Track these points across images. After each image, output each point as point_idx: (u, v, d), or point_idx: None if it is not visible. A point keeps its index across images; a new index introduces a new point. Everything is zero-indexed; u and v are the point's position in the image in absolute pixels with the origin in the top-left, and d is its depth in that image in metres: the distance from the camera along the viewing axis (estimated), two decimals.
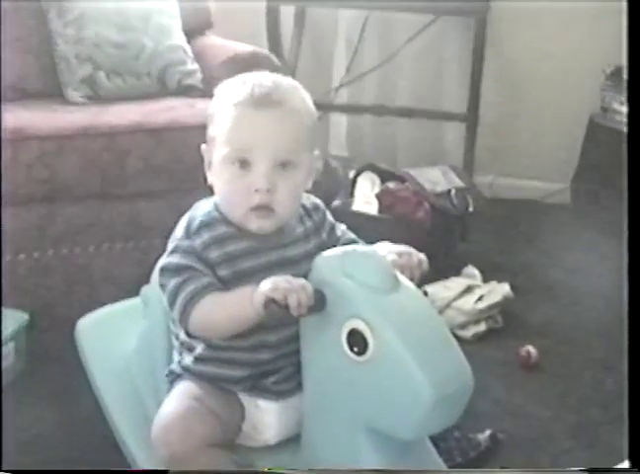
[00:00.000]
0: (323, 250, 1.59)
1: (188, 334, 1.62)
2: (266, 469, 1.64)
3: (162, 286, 1.60)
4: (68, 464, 2.04)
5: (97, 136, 2.63)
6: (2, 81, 2.83)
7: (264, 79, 1.60)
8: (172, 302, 1.57)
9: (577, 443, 2.21)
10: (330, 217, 1.75)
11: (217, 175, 1.61)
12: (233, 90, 1.60)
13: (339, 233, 1.74)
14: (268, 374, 1.63)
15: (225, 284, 1.57)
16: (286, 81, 1.63)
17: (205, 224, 1.60)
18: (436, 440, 1.63)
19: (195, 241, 1.59)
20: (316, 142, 1.66)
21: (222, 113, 1.59)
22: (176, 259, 1.58)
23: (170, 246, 1.62)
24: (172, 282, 1.56)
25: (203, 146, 1.66)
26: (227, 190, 1.60)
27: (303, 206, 1.70)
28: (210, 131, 1.63)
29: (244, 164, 1.56)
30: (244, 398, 1.65)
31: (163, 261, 1.61)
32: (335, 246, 1.63)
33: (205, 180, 1.66)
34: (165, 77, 3.07)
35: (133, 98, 2.96)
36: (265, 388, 1.64)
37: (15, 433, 1.99)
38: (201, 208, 1.64)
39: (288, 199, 1.59)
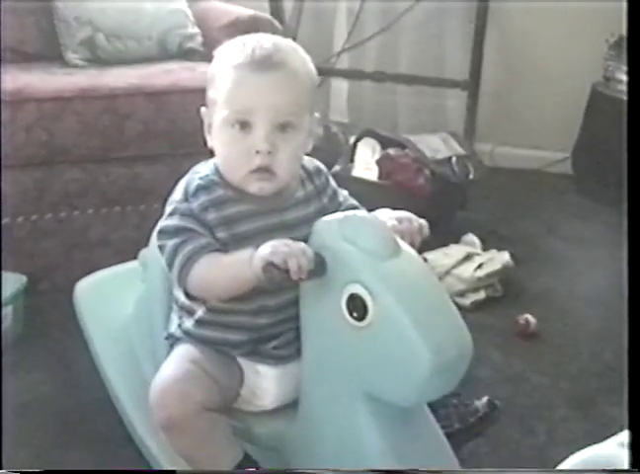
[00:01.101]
0: (323, 215, 1.58)
1: (187, 296, 1.61)
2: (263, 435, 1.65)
3: (160, 248, 1.59)
4: (64, 428, 2.05)
5: (96, 99, 2.61)
6: (1, 43, 2.81)
7: (264, 41, 1.58)
8: (170, 262, 1.56)
9: (574, 413, 2.21)
10: (333, 183, 1.74)
11: (217, 137, 1.60)
12: (233, 52, 1.58)
13: (341, 199, 1.73)
14: (268, 339, 1.63)
15: (224, 247, 1.56)
16: (286, 43, 1.62)
17: (203, 187, 1.59)
18: (434, 407, 1.63)
19: (192, 204, 1.58)
20: (316, 105, 1.65)
21: (222, 75, 1.58)
22: (174, 221, 1.57)
23: (168, 209, 1.61)
24: (170, 243, 1.56)
25: (203, 109, 1.65)
26: (227, 152, 1.59)
27: (305, 170, 1.69)
28: (210, 94, 1.62)
29: (244, 126, 1.55)
30: (243, 363, 1.65)
31: (161, 223, 1.60)
32: (336, 212, 1.62)
33: (205, 143, 1.65)
34: (166, 40, 3.05)
35: (133, 61, 2.95)
36: (265, 353, 1.64)
37: (11, 396, 1.99)
38: (200, 171, 1.63)
39: (289, 161, 1.58)
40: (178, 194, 1.61)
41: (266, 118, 1.54)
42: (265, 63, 1.54)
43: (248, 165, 1.56)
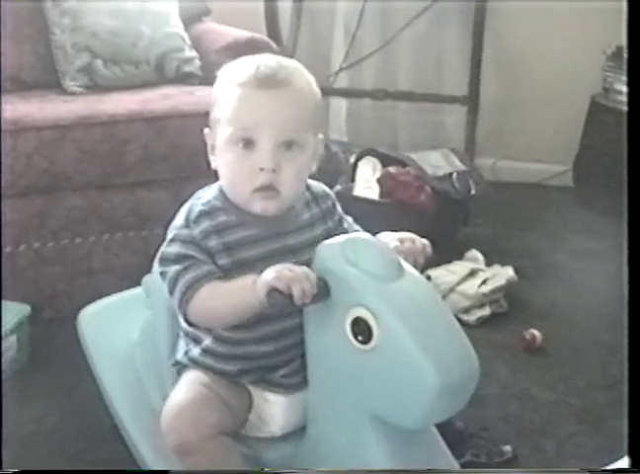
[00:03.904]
0: (329, 238, 1.56)
1: (188, 323, 1.59)
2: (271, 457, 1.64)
3: (162, 274, 1.58)
4: (71, 458, 2.03)
5: (96, 126, 2.61)
6: (0, 72, 2.82)
7: (268, 60, 1.58)
8: (171, 290, 1.55)
9: (582, 428, 2.20)
10: (339, 209, 1.73)
11: (221, 156, 1.59)
12: (237, 71, 1.58)
13: (345, 225, 1.73)
14: (275, 367, 1.62)
15: (225, 274, 1.55)
16: (290, 63, 1.61)
17: (205, 213, 1.59)
18: (468, 433, 1.65)
19: (194, 230, 1.57)
20: (320, 126, 1.63)
21: (226, 93, 1.57)
22: (175, 248, 1.56)
23: (169, 235, 1.60)
24: (171, 270, 1.55)
25: (206, 130, 1.64)
26: (231, 171, 1.58)
27: (312, 192, 1.69)
28: (214, 113, 1.61)
29: (248, 144, 1.54)
30: (252, 390, 1.64)
31: (162, 250, 1.59)
32: None
33: (208, 165, 1.64)
34: (163, 65, 3.06)
35: (132, 86, 2.95)
36: (273, 382, 1.63)
37: (16, 426, 1.98)
38: (202, 197, 1.63)
39: (293, 180, 1.57)
40: (179, 219, 1.60)
41: (270, 135, 1.53)
42: (269, 81, 1.54)
43: (252, 183, 1.55)
